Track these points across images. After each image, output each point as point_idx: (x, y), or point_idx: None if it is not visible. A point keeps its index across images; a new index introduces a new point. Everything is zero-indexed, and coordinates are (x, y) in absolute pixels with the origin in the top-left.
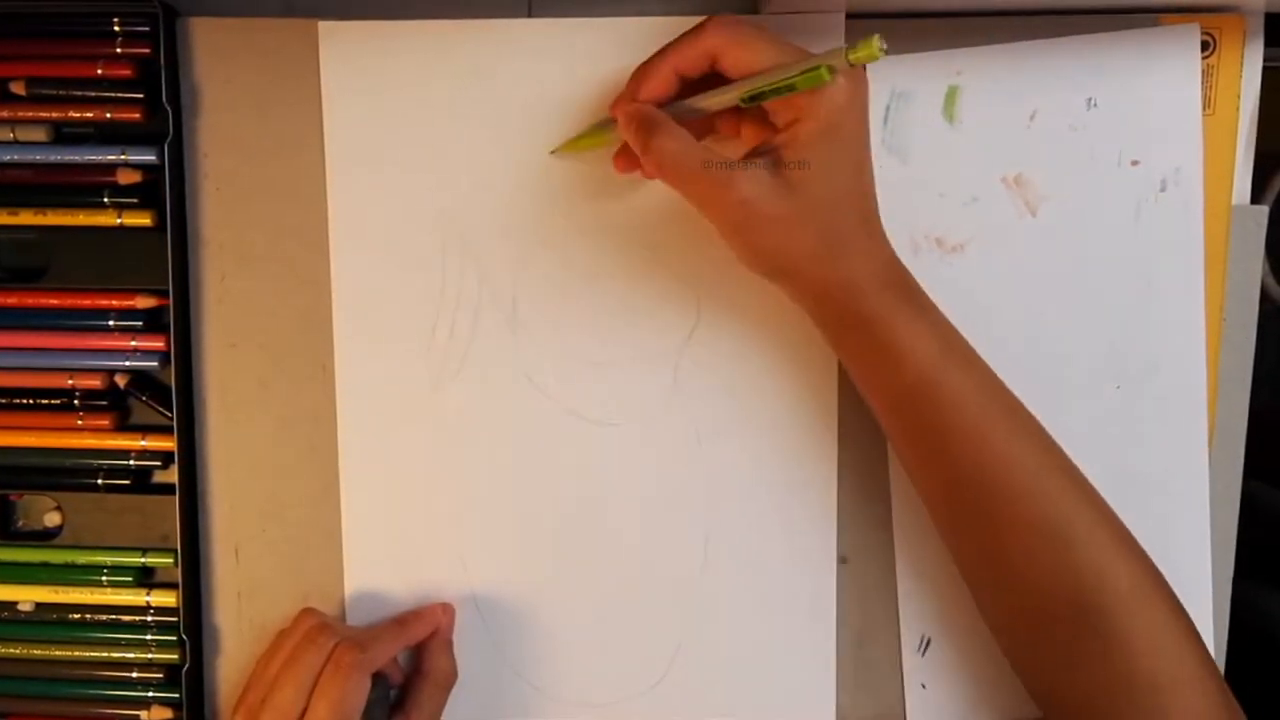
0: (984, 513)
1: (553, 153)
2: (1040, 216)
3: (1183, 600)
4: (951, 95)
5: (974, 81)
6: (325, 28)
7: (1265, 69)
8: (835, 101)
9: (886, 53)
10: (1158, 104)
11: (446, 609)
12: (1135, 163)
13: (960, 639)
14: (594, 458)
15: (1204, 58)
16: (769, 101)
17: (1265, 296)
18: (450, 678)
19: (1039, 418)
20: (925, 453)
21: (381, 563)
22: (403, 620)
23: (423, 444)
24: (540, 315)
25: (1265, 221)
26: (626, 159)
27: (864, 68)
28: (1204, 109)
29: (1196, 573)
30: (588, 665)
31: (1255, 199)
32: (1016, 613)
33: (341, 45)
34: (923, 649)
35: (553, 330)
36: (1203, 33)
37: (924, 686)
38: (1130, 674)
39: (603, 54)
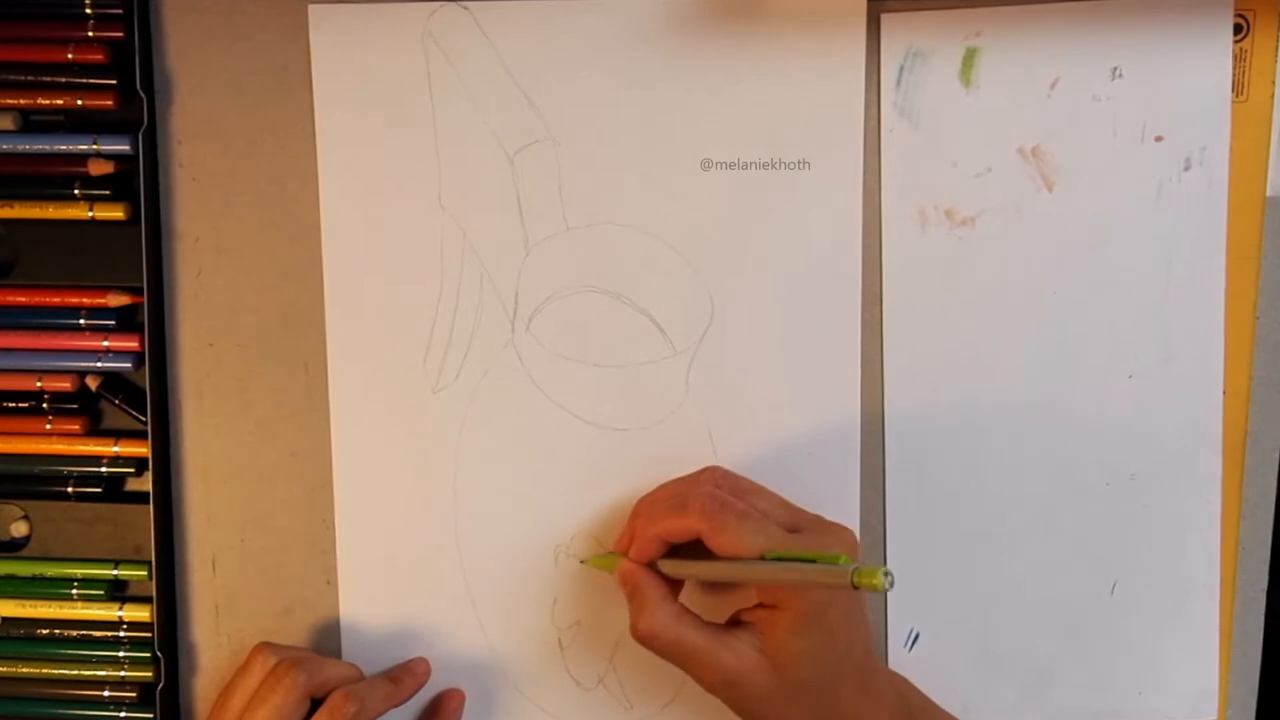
0: None
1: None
2: (1056, 191)
3: (1190, 598)
4: (970, 57)
5: (994, 44)
6: (316, 12)
7: None
8: (814, 595)
9: (892, 588)
10: (1186, 77)
11: (424, 663)
12: (1159, 139)
13: (948, 634)
14: (602, 464)
15: (1236, 41)
16: None
17: None
18: None
19: (1043, 406)
20: None
21: (377, 575)
22: (395, 676)
23: (420, 451)
24: (545, 314)
25: None
26: None
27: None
28: (1236, 95)
29: (1205, 575)
30: (596, 682)
31: None
32: None
33: (333, 30)
34: (910, 644)
35: (558, 330)
36: (1235, 14)
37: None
38: None
39: (604, 34)
